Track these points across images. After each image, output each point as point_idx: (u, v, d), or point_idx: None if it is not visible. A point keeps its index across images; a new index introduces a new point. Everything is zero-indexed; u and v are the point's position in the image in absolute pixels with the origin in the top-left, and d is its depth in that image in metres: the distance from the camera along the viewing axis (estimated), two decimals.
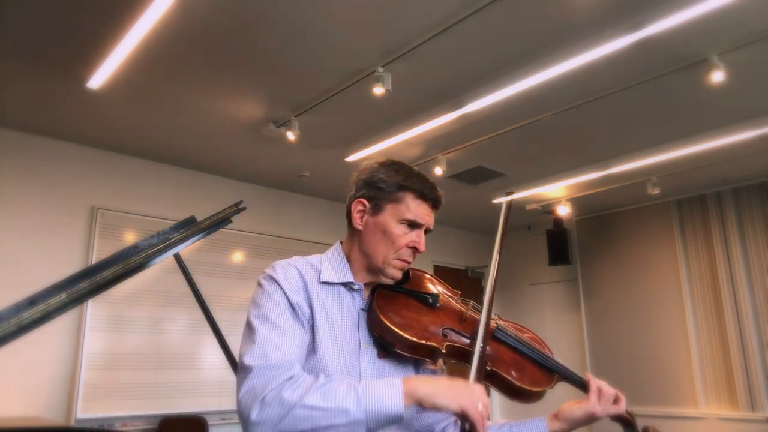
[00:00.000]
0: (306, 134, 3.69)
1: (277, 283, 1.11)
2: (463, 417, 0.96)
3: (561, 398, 1.31)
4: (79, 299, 1.56)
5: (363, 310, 1.19)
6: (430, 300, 1.22)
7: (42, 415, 3.54)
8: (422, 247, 1.19)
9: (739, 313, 4.81)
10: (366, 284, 1.22)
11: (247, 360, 1.00)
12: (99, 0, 2.43)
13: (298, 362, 1.03)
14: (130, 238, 4.09)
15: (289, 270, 1.14)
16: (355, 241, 1.22)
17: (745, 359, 4.72)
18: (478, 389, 1.00)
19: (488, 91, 3.21)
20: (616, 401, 1.23)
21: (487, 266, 6.89)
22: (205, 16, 2.55)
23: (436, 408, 0.96)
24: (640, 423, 1.29)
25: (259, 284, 1.14)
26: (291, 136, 3.60)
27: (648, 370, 5.28)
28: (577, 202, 5.47)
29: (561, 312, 6.21)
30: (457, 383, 0.99)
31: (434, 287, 1.30)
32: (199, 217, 1.99)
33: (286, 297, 1.09)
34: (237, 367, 1.06)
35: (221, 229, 2.06)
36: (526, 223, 6.40)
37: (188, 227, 1.89)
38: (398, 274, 1.20)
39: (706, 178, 4.80)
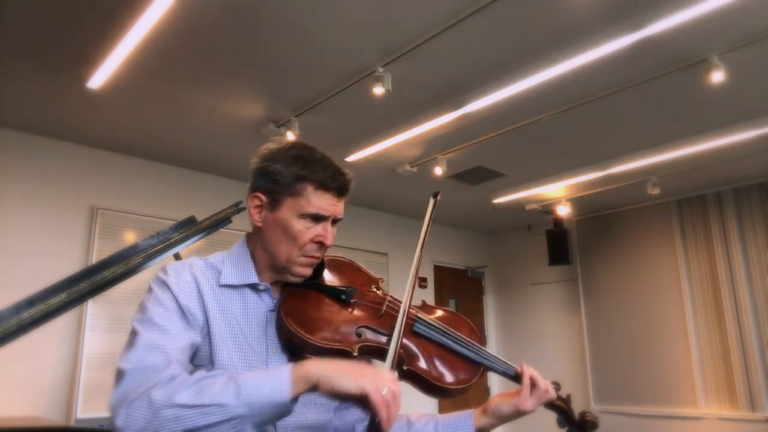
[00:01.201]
0: (306, 134, 3.69)
1: (168, 286, 1.01)
2: (364, 402, 0.83)
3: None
4: (79, 299, 1.56)
5: (272, 311, 1.08)
6: (343, 296, 1.11)
7: (42, 415, 3.54)
8: (329, 240, 1.07)
9: (739, 313, 4.81)
10: (275, 282, 1.11)
11: (122, 363, 0.90)
12: (99, 0, 2.43)
13: (180, 362, 0.93)
14: (130, 238, 4.09)
15: (182, 274, 1.04)
16: (257, 238, 1.11)
17: (745, 359, 4.72)
18: (386, 374, 0.89)
19: (488, 91, 3.21)
20: (545, 391, 1.18)
21: (487, 266, 6.90)
22: (205, 16, 2.55)
23: (335, 392, 0.83)
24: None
25: (149, 290, 1.04)
26: (291, 136, 3.60)
27: (648, 370, 5.28)
28: (577, 202, 5.47)
29: (561, 312, 6.21)
30: (362, 366, 0.88)
31: (350, 279, 1.18)
32: (199, 217, 2.00)
33: (176, 300, 0.99)
34: None
35: (221, 229, 2.06)
36: (526, 223, 6.40)
37: (188, 227, 1.89)
38: (307, 272, 1.09)
39: (706, 178, 4.80)
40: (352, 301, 1.12)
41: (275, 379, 0.84)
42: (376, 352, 1.07)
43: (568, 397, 1.24)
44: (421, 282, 5.69)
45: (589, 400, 5.60)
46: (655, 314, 5.35)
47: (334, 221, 1.10)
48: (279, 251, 1.07)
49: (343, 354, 1.03)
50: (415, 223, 6.15)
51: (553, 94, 3.27)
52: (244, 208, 2.11)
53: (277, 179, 1.06)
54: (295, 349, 1.04)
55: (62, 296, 1.50)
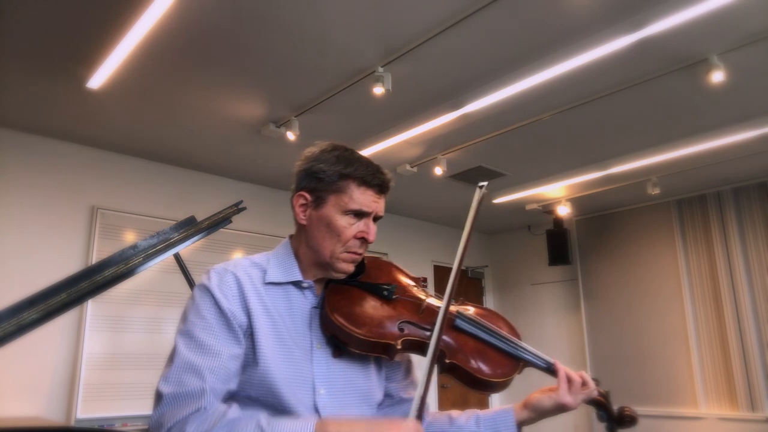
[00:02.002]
0: (306, 134, 3.69)
1: (209, 292, 1.04)
2: None
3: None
4: (79, 299, 1.56)
5: (315, 307, 1.12)
6: (385, 292, 1.15)
7: (42, 415, 3.54)
8: (371, 236, 1.11)
9: (739, 313, 4.81)
10: (318, 280, 1.15)
11: (161, 386, 0.96)
12: (99, 0, 2.43)
13: (221, 387, 0.98)
14: (130, 238, 4.09)
15: (225, 276, 1.06)
16: (301, 236, 1.15)
17: (745, 359, 4.72)
18: (410, 424, 0.93)
19: (488, 91, 3.21)
20: (584, 385, 1.19)
21: (487, 266, 6.90)
22: (205, 17, 2.55)
23: None
24: (640, 423, 1.27)
25: (192, 295, 1.07)
26: (291, 136, 3.60)
27: (648, 370, 5.28)
28: (577, 202, 5.47)
29: (561, 312, 6.21)
30: (383, 423, 0.93)
31: (392, 277, 1.22)
32: (199, 217, 2.00)
33: (218, 307, 1.02)
34: None
35: (221, 229, 2.06)
36: (526, 223, 6.40)
37: (188, 227, 1.89)
38: (350, 268, 1.13)
39: (706, 178, 4.80)
40: (393, 297, 1.15)
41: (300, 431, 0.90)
42: (418, 347, 1.11)
43: (607, 392, 1.25)
44: (422, 281, 5.69)
45: None
46: (655, 314, 5.35)
47: (375, 219, 1.14)
48: (323, 247, 1.10)
49: (387, 347, 1.08)
50: (415, 222, 6.15)
51: (553, 94, 3.27)
52: (245, 208, 2.12)
53: (321, 178, 1.11)
54: (339, 344, 1.08)
55: (62, 296, 1.50)
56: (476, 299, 6.75)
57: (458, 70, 3.06)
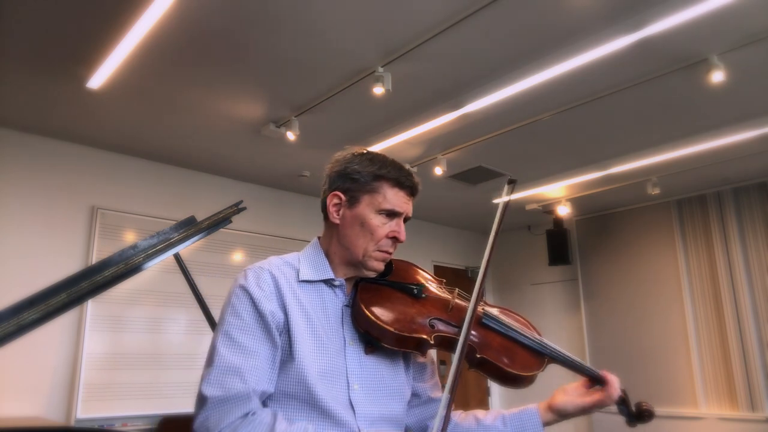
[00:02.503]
0: (306, 134, 3.69)
1: (247, 291, 1.06)
2: None
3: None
4: (79, 299, 1.56)
5: (346, 306, 1.16)
6: (415, 291, 1.19)
7: (42, 415, 3.54)
8: (402, 236, 1.16)
9: (739, 313, 4.81)
10: (348, 279, 1.18)
11: (204, 389, 0.97)
12: (99, 0, 2.43)
13: (262, 388, 1.00)
14: (130, 238, 4.09)
15: (262, 275, 1.09)
16: (333, 235, 1.18)
17: (745, 359, 4.72)
18: None
19: (488, 91, 3.21)
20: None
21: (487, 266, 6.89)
22: (205, 16, 2.55)
23: None
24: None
25: (230, 294, 1.09)
26: (291, 136, 3.60)
27: (648, 370, 5.28)
28: (577, 202, 5.47)
29: (561, 312, 6.21)
30: None
31: (418, 277, 1.27)
32: (199, 217, 1.99)
33: (256, 307, 1.04)
34: None
35: (221, 229, 2.06)
36: (526, 223, 6.40)
37: (188, 227, 1.89)
38: (380, 266, 1.17)
39: (706, 178, 4.80)
40: (423, 295, 1.19)
41: None
42: (448, 343, 1.15)
43: (624, 390, 1.28)
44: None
45: None
46: (655, 314, 5.35)
47: (405, 220, 1.19)
48: (356, 246, 1.14)
49: (420, 342, 1.11)
50: (415, 222, 6.15)
51: (553, 94, 3.27)
52: (245, 208, 2.12)
53: (356, 179, 1.15)
54: (372, 340, 1.12)
55: (62, 296, 1.50)
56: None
57: (458, 70, 3.06)
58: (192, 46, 2.79)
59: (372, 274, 1.17)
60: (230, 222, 2.06)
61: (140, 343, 3.98)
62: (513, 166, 4.57)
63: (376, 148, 3.93)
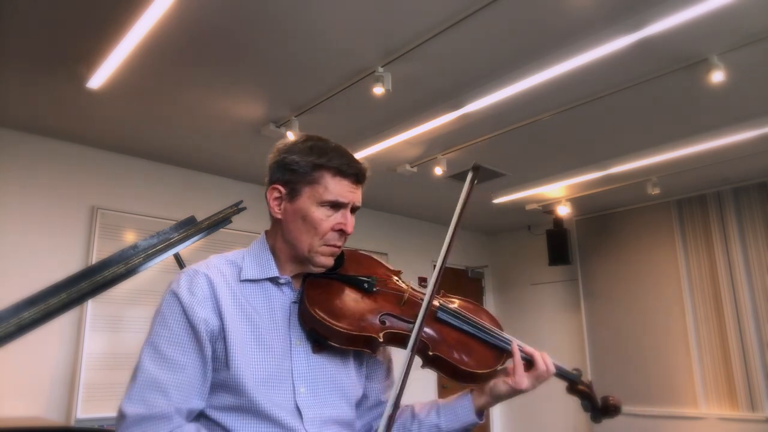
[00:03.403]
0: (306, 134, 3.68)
1: (178, 298, 0.99)
2: None
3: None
4: (79, 299, 1.56)
5: (294, 303, 1.09)
6: (366, 284, 1.12)
7: (42, 415, 3.54)
8: (350, 228, 1.08)
9: (739, 313, 4.81)
10: (296, 275, 1.11)
11: (125, 406, 0.92)
12: (99, 0, 2.43)
13: (188, 406, 0.95)
14: (130, 238, 4.09)
15: (196, 278, 1.02)
16: (277, 231, 1.12)
17: (745, 359, 4.72)
18: None
19: (488, 91, 3.21)
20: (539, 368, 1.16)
21: (487, 266, 6.89)
22: (205, 16, 2.55)
23: None
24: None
25: (162, 299, 1.03)
26: (291, 136, 3.60)
27: (648, 370, 5.28)
28: (577, 202, 5.47)
29: (561, 312, 6.21)
30: None
31: (371, 269, 1.19)
32: (199, 217, 2.00)
33: (186, 315, 0.98)
34: None
35: (221, 229, 2.06)
36: (526, 223, 6.40)
37: (188, 227, 1.89)
38: (329, 261, 1.10)
39: (706, 178, 4.80)
40: (374, 290, 1.13)
41: None
42: (400, 339, 1.09)
43: (590, 382, 1.25)
44: (422, 282, 5.68)
45: None
46: (655, 314, 5.35)
47: (353, 210, 1.11)
48: (300, 241, 1.07)
49: (369, 341, 1.06)
50: (415, 222, 6.15)
51: (553, 94, 3.27)
52: (245, 208, 2.12)
53: (295, 169, 1.07)
54: (319, 338, 1.05)
55: (62, 296, 1.50)
56: (476, 299, 6.73)
57: (458, 70, 3.06)
58: (192, 46, 2.79)
59: (320, 270, 1.10)
60: (230, 222, 2.06)
61: (140, 343, 3.96)
62: (513, 166, 4.57)
63: (376, 148, 3.93)
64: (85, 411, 3.65)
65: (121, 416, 0.92)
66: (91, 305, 3.80)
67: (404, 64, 2.92)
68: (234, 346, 0.99)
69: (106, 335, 3.85)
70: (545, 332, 6.26)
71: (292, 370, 1.02)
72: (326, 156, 1.07)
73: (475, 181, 1.14)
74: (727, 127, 3.76)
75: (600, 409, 1.23)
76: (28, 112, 3.54)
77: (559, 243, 5.90)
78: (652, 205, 5.48)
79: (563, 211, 5.44)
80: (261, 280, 1.08)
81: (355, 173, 1.09)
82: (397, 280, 1.20)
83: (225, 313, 1.00)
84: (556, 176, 4.77)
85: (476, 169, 1.15)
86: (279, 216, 1.10)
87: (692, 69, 2.99)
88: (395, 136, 3.78)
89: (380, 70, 2.93)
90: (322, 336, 1.04)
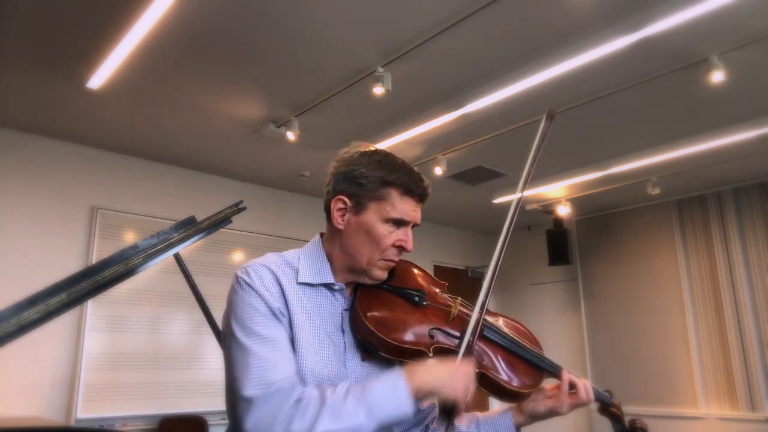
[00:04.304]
0: (306, 134, 3.69)
1: (254, 289, 1.02)
2: (451, 404, 0.97)
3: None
4: (79, 299, 1.56)
5: (346, 310, 1.11)
6: (416, 298, 1.13)
7: (42, 415, 3.54)
8: (410, 245, 1.10)
9: (739, 313, 4.81)
10: (348, 283, 1.14)
11: (247, 391, 0.94)
12: (99, 0, 2.43)
13: (295, 381, 0.97)
14: (130, 238, 4.09)
15: (264, 274, 1.05)
16: (336, 239, 1.12)
17: (745, 359, 4.72)
18: (470, 372, 1.00)
19: (488, 91, 3.21)
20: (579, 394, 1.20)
21: (487, 266, 6.88)
22: (205, 17, 2.55)
23: (438, 399, 0.97)
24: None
25: (235, 292, 1.05)
26: (291, 136, 3.60)
27: (648, 370, 5.28)
28: (577, 202, 5.46)
29: (561, 312, 6.21)
30: (453, 369, 0.99)
31: (420, 281, 1.21)
32: (199, 217, 1.99)
33: (266, 304, 1.01)
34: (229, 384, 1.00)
35: (221, 229, 2.06)
36: (526, 223, 6.40)
37: (188, 227, 1.89)
38: (383, 275, 1.11)
39: (706, 178, 4.80)
40: (424, 303, 1.13)
41: (397, 394, 0.93)
42: (448, 354, 1.09)
43: (620, 404, 1.28)
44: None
45: None
46: (655, 314, 5.35)
47: (413, 226, 1.13)
48: (361, 254, 1.09)
49: (418, 354, 1.06)
50: None
51: (553, 94, 3.27)
52: (245, 208, 2.11)
53: (362, 183, 1.08)
54: (369, 348, 1.07)
55: (62, 296, 1.50)
56: (476, 299, 6.73)
57: (458, 70, 3.06)
58: (192, 46, 2.79)
59: (374, 282, 1.12)
60: (230, 222, 2.06)
61: (140, 343, 3.98)
62: (513, 166, 4.57)
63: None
64: (85, 411, 3.65)
65: (248, 401, 0.94)
66: (91, 305, 3.80)
67: (404, 64, 2.92)
68: (299, 337, 1.02)
69: (106, 335, 3.85)
70: (545, 332, 6.26)
71: (347, 374, 1.05)
72: (396, 173, 1.08)
73: (548, 132, 1.12)
74: (727, 127, 3.76)
75: (628, 431, 1.26)
76: (28, 112, 3.54)
77: (559, 243, 5.90)
78: (652, 205, 5.48)
79: (563, 211, 5.44)
80: (317, 284, 1.10)
81: (420, 193, 1.10)
82: (444, 293, 1.21)
83: (291, 308, 1.04)
84: (556, 176, 4.76)
85: (551, 116, 1.15)
86: (341, 227, 1.10)
87: (692, 69, 2.99)
88: (395, 136, 3.78)
89: (380, 70, 2.93)
90: (372, 346, 1.06)
